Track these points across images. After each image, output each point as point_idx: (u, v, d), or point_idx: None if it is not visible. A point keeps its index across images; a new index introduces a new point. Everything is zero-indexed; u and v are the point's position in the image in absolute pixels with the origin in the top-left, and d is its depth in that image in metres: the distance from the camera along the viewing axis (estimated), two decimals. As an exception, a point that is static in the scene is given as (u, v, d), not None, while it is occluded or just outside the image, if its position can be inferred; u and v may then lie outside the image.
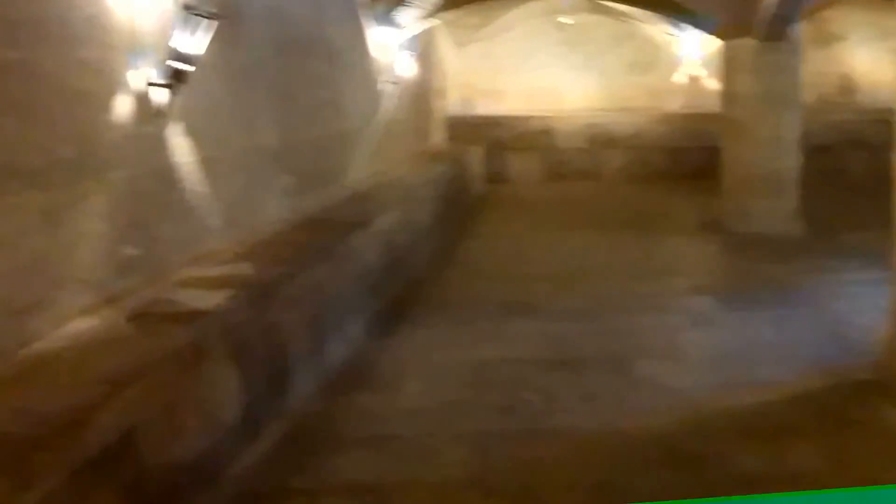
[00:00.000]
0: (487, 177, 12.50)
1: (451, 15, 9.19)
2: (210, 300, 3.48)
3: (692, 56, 12.75)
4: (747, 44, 8.07)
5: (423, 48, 10.42)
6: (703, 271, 7.19)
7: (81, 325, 3.15)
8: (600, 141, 12.52)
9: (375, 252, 5.81)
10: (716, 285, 6.53)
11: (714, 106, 12.76)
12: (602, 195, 11.34)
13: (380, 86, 8.32)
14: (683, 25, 12.08)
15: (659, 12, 8.84)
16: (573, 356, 4.85)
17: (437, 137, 11.80)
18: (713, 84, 12.90)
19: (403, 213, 6.79)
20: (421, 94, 10.45)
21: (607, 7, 11.93)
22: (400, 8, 8.09)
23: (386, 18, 8.17)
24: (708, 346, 5.04)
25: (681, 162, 12.35)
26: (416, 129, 10.19)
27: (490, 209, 10.47)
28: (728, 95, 8.59)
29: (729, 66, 8.53)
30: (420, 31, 9.38)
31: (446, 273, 7.11)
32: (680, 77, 13.10)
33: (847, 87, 12.71)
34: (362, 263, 5.41)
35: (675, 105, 13.20)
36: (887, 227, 8.15)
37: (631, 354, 4.86)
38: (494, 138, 12.60)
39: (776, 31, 7.77)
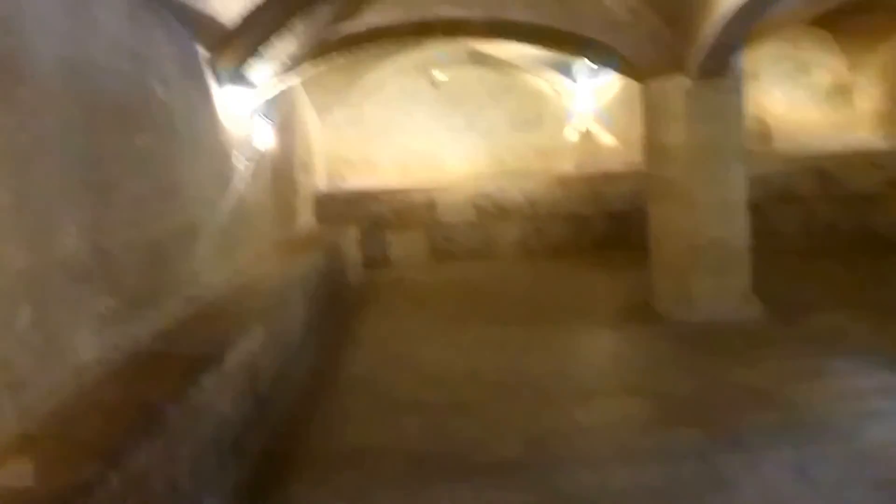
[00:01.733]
0: (366, 261, 11.34)
1: (312, 73, 8.06)
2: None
3: (584, 108, 12.20)
4: (678, 83, 7.09)
5: (284, 115, 9.22)
6: (659, 384, 5.75)
7: None
8: (491, 212, 11.59)
9: (233, 396, 4.44)
10: (687, 408, 5.17)
11: (612, 164, 12.32)
12: (500, 276, 10.30)
13: (232, 162, 7.02)
14: (576, 72, 11.55)
15: (564, 50, 7.92)
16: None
17: (305, 219, 10.52)
18: (609, 139, 12.43)
19: (269, 327, 5.44)
20: (283, 169, 9.19)
21: (487, 58, 11.20)
22: (252, 62, 6.85)
23: (237, 76, 6.92)
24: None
25: (583, 231, 11.60)
26: (280, 212, 8.89)
27: (373, 303, 9.20)
28: (655, 150, 7.55)
29: (654, 114, 7.49)
30: (278, 92, 8.18)
31: (329, 404, 5.71)
32: (571, 133, 12.50)
33: (764, 133, 12.37)
34: (214, 419, 4.03)
35: (567, 165, 12.55)
36: (854, 304, 7.37)
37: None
38: (371, 216, 11.49)
39: (716, 64, 6.81)
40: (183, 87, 5.89)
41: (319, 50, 7.54)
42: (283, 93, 8.82)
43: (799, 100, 12.70)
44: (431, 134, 12.48)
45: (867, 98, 12.52)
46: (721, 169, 7.17)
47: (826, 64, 12.55)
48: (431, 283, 10.13)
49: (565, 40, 7.47)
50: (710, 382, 5.67)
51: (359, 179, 12.34)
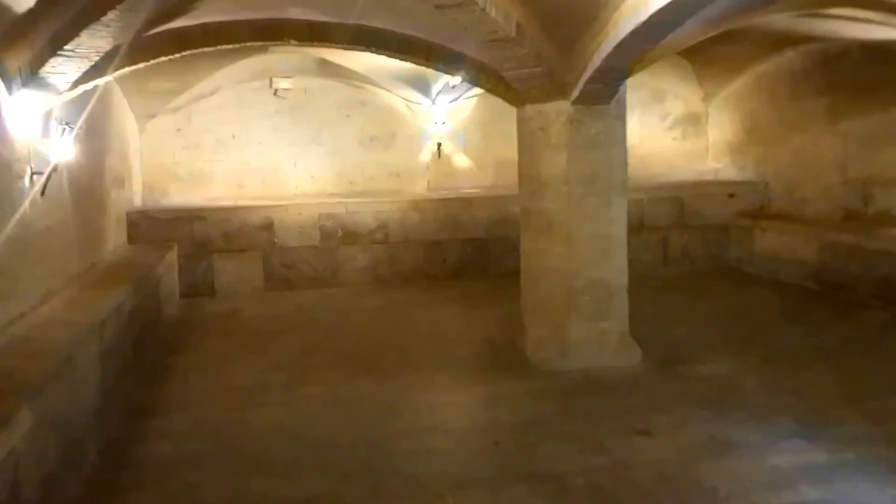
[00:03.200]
0: (187, 290, 9.86)
1: (132, 74, 6.61)
2: None
3: (439, 129, 11.25)
4: (559, 109, 6.31)
5: (94, 120, 7.65)
6: (547, 464, 4.69)
7: None
8: (337, 236, 10.36)
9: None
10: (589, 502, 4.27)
11: (466, 187, 11.46)
12: (348, 310, 9.10)
13: (16, 180, 5.50)
14: (434, 91, 10.64)
15: (434, 66, 6.90)
16: None
17: (115, 242, 8.89)
18: (464, 161, 11.56)
19: (43, 408, 4.03)
20: (90, 184, 7.62)
21: (337, 68, 10.03)
22: (54, 61, 5.33)
23: (31, 78, 5.41)
24: None
25: (438, 259, 10.61)
26: (81, 236, 7.31)
27: (193, 346, 7.69)
28: (531, 180, 6.72)
29: (531, 141, 6.66)
30: (86, 95, 6.66)
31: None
32: (425, 154, 11.52)
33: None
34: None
35: (420, 187, 11.56)
36: (732, 350, 6.82)
37: None
38: (196, 237, 9.99)
39: (602, 89, 6.06)
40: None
41: (141, 48, 6.11)
42: (93, 94, 7.28)
43: (652, 128, 12.34)
44: (272, 148, 11.16)
45: (718, 128, 12.36)
46: (602, 202, 6.49)
47: (681, 93, 12.30)
48: (266, 319, 8.79)
49: (437, 56, 6.46)
50: (608, 461, 4.79)
51: (185, 195, 10.80)
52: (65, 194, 6.74)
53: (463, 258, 10.59)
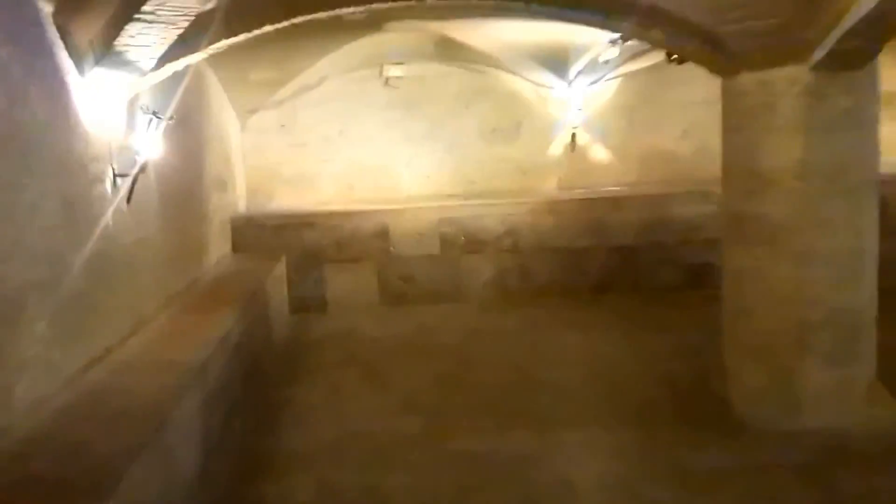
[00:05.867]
0: (297, 305, 8.76)
1: (231, 64, 5.46)
2: None
3: (574, 116, 9.85)
4: (793, 77, 4.73)
5: (188, 113, 6.62)
6: None
7: None
8: (460, 244, 9.07)
9: None
10: None
11: (606, 183, 9.96)
12: (476, 332, 7.77)
13: (96, 183, 4.44)
14: (573, 71, 9.27)
15: (611, 25, 5.36)
16: None
17: (219, 253, 7.84)
18: (603, 154, 10.14)
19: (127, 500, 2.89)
20: (186, 188, 6.58)
21: (459, 50, 8.79)
22: (131, 29, 4.20)
23: (106, 53, 4.32)
24: None
25: (579, 270, 9.11)
26: (179, 248, 6.26)
27: (307, 377, 6.56)
28: (747, 175, 5.11)
29: (747, 123, 5.06)
30: (176, 80, 5.56)
31: None
32: (556, 146, 10.13)
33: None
34: None
35: (550, 185, 10.17)
36: None
37: None
38: (305, 246, 8.91)
39: (859, 50, 4.49)
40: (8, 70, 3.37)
41: (241, 13, 4.93)
42: (182, 77, 6.22)
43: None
44: (384, 145, 9.95)
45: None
46: (851, 204, 4.87)
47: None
48: (387, 341, 7.59)
49: (621, 10, 4.82)
50: None
51: (291, 199, 9.72)
52: (156, 200, 5.68)
53: (607, 269, 9.07)
